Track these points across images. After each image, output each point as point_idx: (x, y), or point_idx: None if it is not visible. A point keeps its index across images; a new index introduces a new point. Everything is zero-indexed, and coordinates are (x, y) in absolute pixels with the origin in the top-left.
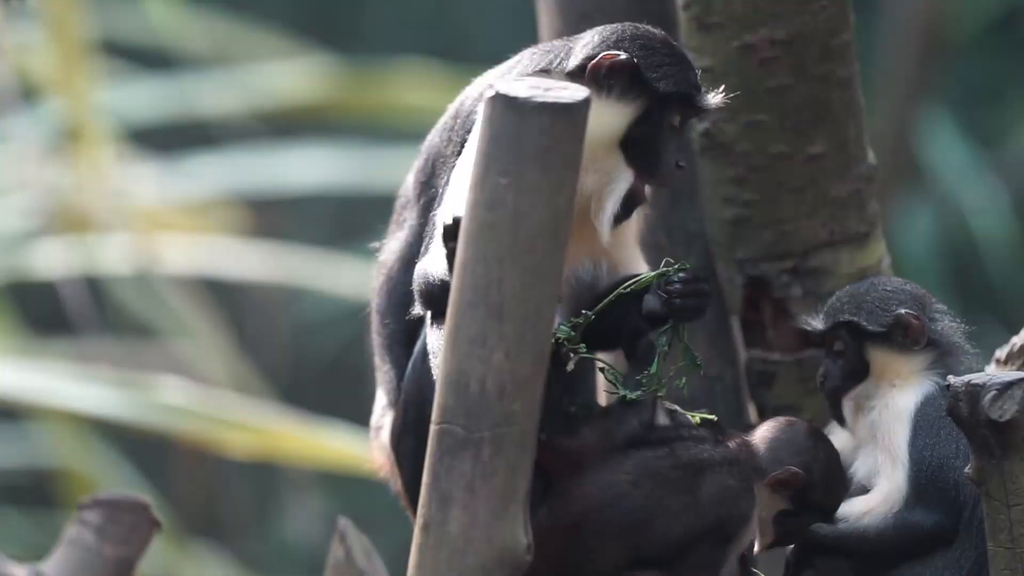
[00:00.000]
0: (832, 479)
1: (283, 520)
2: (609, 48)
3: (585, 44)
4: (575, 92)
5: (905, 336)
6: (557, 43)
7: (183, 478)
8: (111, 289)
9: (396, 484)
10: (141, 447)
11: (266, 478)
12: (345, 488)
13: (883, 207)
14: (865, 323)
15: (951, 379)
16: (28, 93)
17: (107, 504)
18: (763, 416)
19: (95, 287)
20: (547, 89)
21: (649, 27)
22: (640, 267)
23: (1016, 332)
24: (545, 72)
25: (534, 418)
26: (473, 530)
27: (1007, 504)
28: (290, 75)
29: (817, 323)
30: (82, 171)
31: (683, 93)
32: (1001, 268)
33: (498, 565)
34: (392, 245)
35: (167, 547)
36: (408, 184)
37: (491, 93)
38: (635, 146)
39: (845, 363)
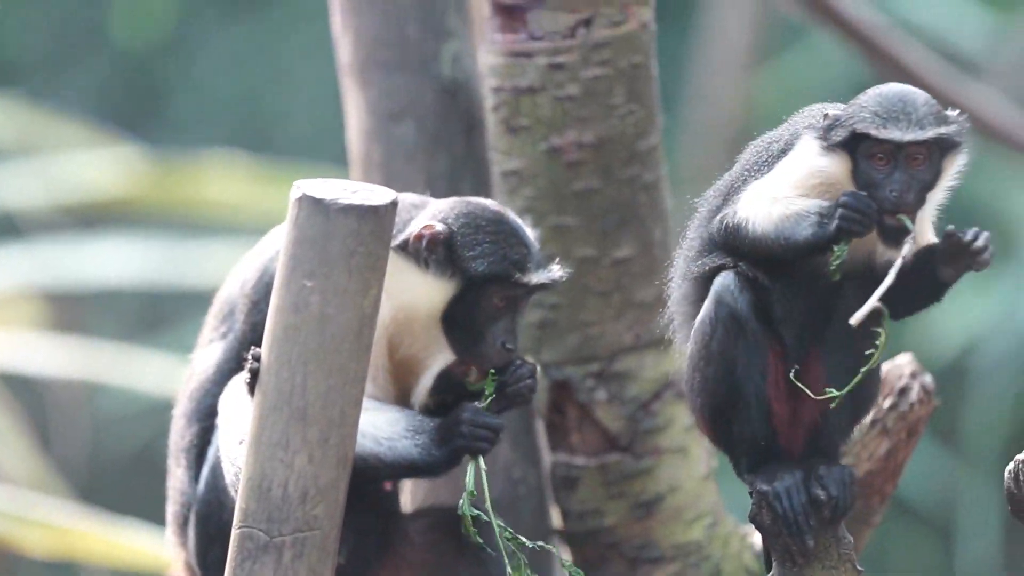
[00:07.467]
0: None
1: None
2: (434, 220)
3: (422, 216)
4: (382, 194)
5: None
6: (408, 208)
7: None
8: None
9: None
10: None
11: None
12: None
13: None
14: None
15: None
16: None
17: None
18: (566, 520)
19: None
20: (354, 191)
21: (487, 202)
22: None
23: None
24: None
25: (336, 521)
26: None
27: None
28: (95, 166)
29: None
30: None
31: (497, 274)
32: None
33: None
34: (212, 353)
35: None
36: (233, 293)
37: (297, 194)
38: (456, 326)
39: (927, 176)
